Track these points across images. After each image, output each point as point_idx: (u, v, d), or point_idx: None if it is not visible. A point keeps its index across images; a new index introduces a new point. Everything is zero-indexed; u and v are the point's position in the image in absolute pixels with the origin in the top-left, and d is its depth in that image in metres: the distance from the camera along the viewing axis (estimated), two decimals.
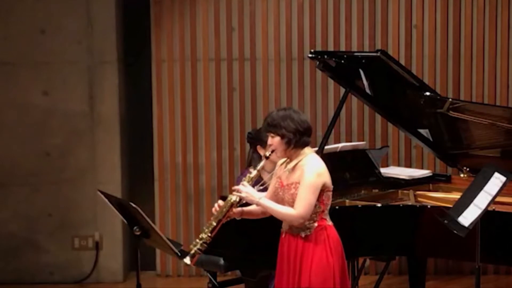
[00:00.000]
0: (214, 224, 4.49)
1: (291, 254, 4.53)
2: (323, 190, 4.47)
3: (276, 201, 4.57)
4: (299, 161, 4.51)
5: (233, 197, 4.51)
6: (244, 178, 4.60)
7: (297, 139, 4.49)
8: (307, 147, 4.56)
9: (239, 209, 4.59)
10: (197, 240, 4.50)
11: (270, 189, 4.67)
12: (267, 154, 4.58)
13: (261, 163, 4.60)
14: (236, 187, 4.53)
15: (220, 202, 4.57)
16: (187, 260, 4.47)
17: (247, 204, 4.62)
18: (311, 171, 4.44)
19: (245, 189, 4.49)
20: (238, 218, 4.64)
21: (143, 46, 7.49)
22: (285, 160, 4.63)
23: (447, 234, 4.94)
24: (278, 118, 4.50)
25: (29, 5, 7.26)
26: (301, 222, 4.44)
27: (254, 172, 4.57)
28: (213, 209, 4.59)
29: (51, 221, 7.40)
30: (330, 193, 4.55)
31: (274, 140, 4.52)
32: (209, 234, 4.48)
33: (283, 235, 4.60)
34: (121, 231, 7.39)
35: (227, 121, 7.44)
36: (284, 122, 4.48)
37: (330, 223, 4.56)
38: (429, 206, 5.47)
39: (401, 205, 5.57)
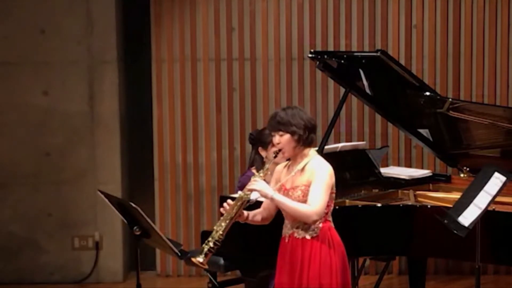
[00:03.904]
0: (227, 222, 4.45)
1: (297, 256, 4.51)
2: (331, 192, 4.49)
3: (273, 208, 4.58)
4: (307, 163, 4.50)
5: (244, 194, 4.47)
6: (254, 175, 4.55)
7: (306, 136, 4.49)
8: (311, 148, 4.56)
9: (245, 212, 4.56)
10: (209, 239, 4.43)
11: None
12: (274, 154, 4.55)
13: (267, 165, 4.57)
14: (249, 183, 4.48)
15: (229, 201, 4.52)
16: (200, 258, 4.39)
17: (252, 209, 4.60)
18: (325, 171, 4.46)
19: (259, 184, 4.46)
20: (242, 222, 4.60)
21: (143, 46, 7.50)
22: (286, 164, 4.61)
23: (447, 234, 4.94)
24: (288, 116, 4.49)
25: (29, 5, 7.26)
26: (315, 220, 4.43)
27: (262, 172, 4.53)
28: (222, 209, 4.53)
29: (51, 221, 7.40)
30: (334, 195, 4.56)
31: (282, 138, 4.49)
32: (221, 233, 4.43)
33: (286, 240, 4.57)
34: (121, 231, 7.39)
35: (227, 121, 7.44)
36: (293, 120, 4.48)
37: (332, 224, 4.57)
38: (429, 206, 5.47)
39: (401, 205, 5.57)
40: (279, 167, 4.65)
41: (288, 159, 4.62)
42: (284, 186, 4.56)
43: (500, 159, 5.88)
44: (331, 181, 4.47)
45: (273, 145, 4.64)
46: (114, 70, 7.35)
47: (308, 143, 4.53)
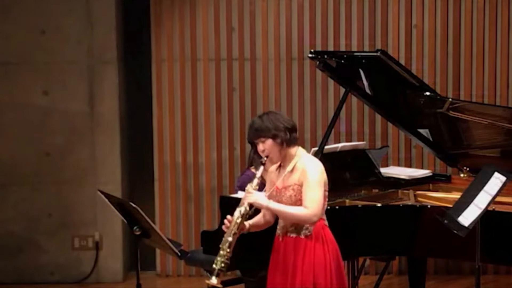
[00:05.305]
0: (230, 239, 4.44)
1: (290, 256, 4.52)
2: (324, 190, 4.49)
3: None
4: (296, 163, 4.52)
5: (242, 208, 4.47)
6: (248, 186, 4.54)
7: (288, 136, 4.50)
8: (298, 148, 4.58)
9: (246, 224, 4.56)
10: (218, 259, 4.43)
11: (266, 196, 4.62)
12: (263, 161, 4.55)
13: (260, 171, 4.58)
14: (244, 195, 4.48)
15: (229, 217, 4.52)
16: (214, 280, 4.39)
17: (250, 217, 4.60)
18: (314, 169, 4.47)
19: (253, 196, 4.47)
20: (245, 232, 4.59)
21: (143, 46, 7.50)
22: (278, 166, 4.62)
23: (447, 234, 4.94)
24: (265, 121, 4.51)
25: (29, 5, 7.26)
26: (316, 221, 4.45)
27: (255, 181, 4.52)
28: (224, 227, 4.52)
29: (51, 221, 7.40)
30: (327, 193, 4.56)
31: (266, 144, 4.51)
32: (228, 250, 4.42)
33: (280, 239, 4.58)
34: (121, 231, 7.39)
35: (227, 121, 7.44)
36: (271, 124, 4.50)
37: (326, 223, 4.57)
38: (429, 206, 5.47)
39: (401, 205, 5.57)
40: (272, 169, 4.65)
41: None
42: (277, 186, 4.58)
43: (500, 159, 5.88)
44: (322, 178, 4.48)
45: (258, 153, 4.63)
46: (114, 70, 7.35)
47: (292, 143, 4.55)
